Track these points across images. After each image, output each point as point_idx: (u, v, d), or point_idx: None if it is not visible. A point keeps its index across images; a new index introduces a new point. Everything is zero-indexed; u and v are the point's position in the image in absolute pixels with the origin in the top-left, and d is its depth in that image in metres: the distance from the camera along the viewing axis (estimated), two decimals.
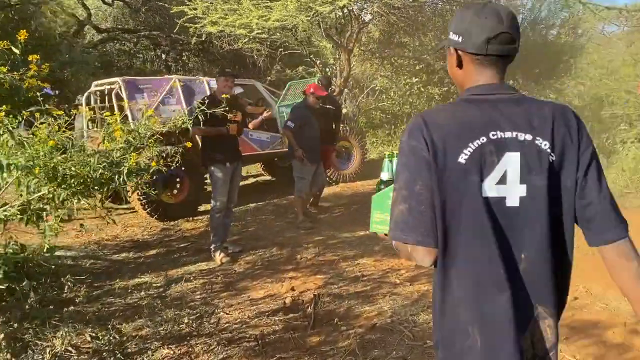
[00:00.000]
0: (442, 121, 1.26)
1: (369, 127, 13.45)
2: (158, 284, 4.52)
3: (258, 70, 12.30)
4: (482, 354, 1.23)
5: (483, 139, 1.22)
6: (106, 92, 7.12)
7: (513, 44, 1.28)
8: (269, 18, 8.13)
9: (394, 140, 13.23)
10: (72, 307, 3.84)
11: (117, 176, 2.96)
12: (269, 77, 12.12)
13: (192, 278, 4.64)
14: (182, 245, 5.86)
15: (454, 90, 15.08)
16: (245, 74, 11.96)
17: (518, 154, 1.22)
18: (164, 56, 19.16)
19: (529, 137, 1.23)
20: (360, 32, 11.23)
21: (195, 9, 8.60)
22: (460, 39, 1.30)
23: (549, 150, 1.23)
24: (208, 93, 7.40)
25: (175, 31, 9.08)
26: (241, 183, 5.78)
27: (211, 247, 5.15)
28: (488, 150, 1.22)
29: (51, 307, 3.87)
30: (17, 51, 3.58)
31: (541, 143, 1.23)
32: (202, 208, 7.38)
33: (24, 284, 3.69)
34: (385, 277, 4.59)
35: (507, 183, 1.22)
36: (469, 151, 1.22)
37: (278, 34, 8.86)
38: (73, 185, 2.91)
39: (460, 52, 1.32)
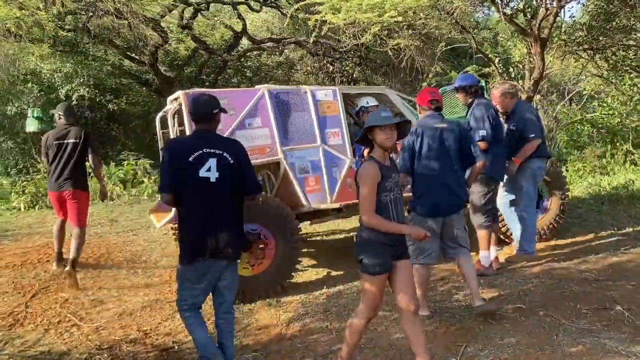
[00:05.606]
0: (182, 142, 3.31)
1: (572, 147, 9.66)
2: None
3: (415, 73, 9.46)
4: (190, 248, 3.03)
5: (200, 151, 2.99)
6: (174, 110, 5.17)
7: (204, 114, 3.15)
8: None
9: (610, 164, 9.27)
10: None
11: None
12: (424, 82, 9.27)
13: None
14: None
15: None
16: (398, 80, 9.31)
17: (215, 159, 3.00)
18: (331, 67, 17.53)
19: (220, 151, 3.03)
20: (558, 14, 7.80)
21: None
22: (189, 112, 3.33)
23: (229, 158, 3.03)
24: (312, 107, 5.02)
25: (285, 23, 6.82)
26: None
27: None
28: (203, 156, 2.99)
29: None
30: None
31: (225, 155, 3.03)
32: (297, 278, 5.02)
33: None
34: None
35: (211, 171, 2.98)
36: (194, 156, 2.98)
37: (424, 15, 6.02)
38: None
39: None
